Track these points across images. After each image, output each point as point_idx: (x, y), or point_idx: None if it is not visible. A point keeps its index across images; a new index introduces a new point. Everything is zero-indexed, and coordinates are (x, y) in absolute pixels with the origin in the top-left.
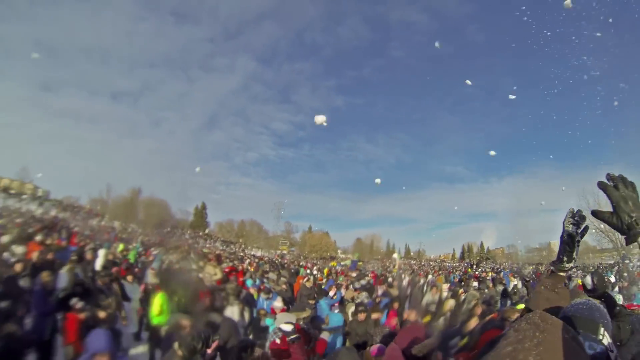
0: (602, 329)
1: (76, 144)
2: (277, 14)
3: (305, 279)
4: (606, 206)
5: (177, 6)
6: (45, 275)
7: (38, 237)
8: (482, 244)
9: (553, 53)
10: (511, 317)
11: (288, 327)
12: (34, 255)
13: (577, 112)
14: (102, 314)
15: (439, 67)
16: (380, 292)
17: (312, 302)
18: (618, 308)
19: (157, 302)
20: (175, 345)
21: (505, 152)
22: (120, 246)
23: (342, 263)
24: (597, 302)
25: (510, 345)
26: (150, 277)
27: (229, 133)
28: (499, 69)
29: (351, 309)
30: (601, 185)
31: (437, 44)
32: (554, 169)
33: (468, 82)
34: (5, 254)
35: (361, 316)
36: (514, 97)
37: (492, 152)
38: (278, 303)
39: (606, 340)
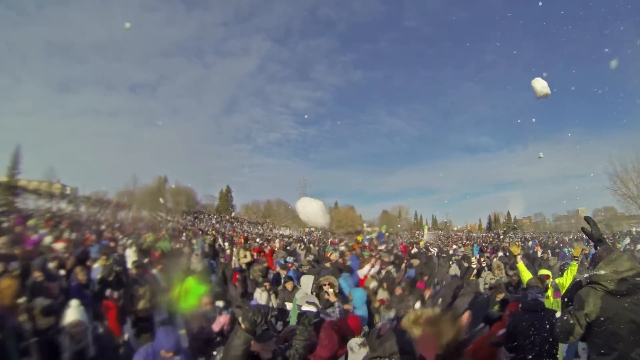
0: None
1: (99, 139)
2: None
3: (331, 253)
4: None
5: None
6: (79, 271)
7: (66, 234)
8: (508, 214)
9: (578, 14)
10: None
11: (310, 309)
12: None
13: (602, 75)
14: (139, 304)
15: (455, 35)
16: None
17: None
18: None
19: (179, 287)
20: (240, 318)
21: (530, 120)
22: (150, 236)
23: (368, 236)
24: None
25: None
26: (195, 263)
27: (249, 115)
28: (520, 33)
29: (372, 284)
30: None
31: None
32: (580, 134)
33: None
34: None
35: (398, 290)
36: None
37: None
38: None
39: None
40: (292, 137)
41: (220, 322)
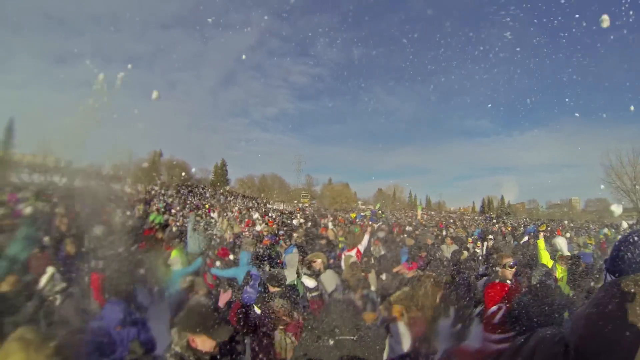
0: None
1: (94, 112)
2: None
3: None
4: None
5: None
6: (68, 243)
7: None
8: (502, 198)
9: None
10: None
11: (310, 282)
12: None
13: (605, 65)
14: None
15: (461, 16)
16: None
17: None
18: None
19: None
20: None
21: (530, 105)
22: (140, 207)
23: (362, 214)
24: None
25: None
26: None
27: (247, 89)
28: (525, 16)
29: (350, 260)
30: None
31: None
32: (577, 124)
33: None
34: None
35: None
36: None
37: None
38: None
39: None
40: (289, 112)
41: (224, 298)
